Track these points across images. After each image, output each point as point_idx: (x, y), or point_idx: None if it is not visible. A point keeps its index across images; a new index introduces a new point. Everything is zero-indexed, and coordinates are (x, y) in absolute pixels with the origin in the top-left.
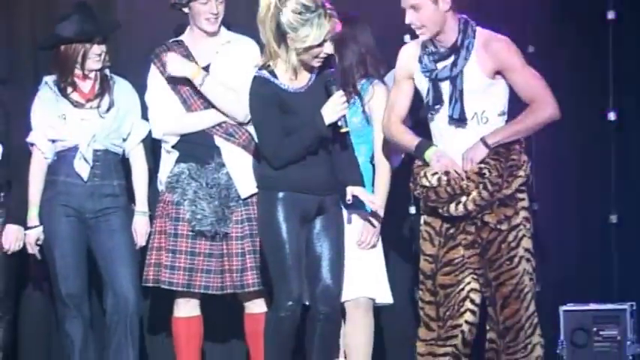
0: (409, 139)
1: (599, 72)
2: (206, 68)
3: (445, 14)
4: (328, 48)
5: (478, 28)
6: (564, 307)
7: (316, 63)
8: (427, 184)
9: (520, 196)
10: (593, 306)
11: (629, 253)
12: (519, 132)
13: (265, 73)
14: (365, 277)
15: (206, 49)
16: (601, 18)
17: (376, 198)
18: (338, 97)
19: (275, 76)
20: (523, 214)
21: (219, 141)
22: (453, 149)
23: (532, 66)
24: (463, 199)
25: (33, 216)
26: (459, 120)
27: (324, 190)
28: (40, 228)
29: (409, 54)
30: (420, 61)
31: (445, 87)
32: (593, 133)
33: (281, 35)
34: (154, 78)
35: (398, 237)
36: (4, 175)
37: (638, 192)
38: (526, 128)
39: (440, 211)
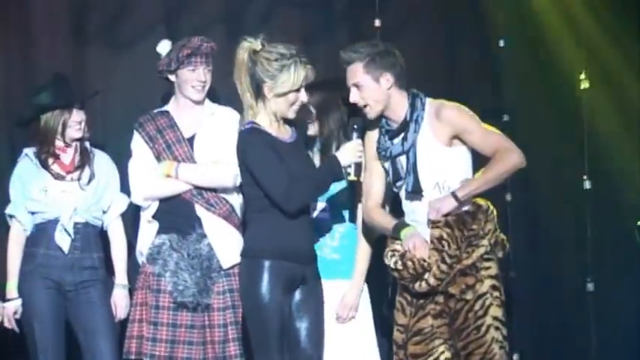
0: (387, 222)
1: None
2: (191, 139)
3: (388, 92)
4: (304, 96)
5: (428, 100)
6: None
7: (292, 113)
8: (391, 265)
9: (485, 264)
10: None
11: (605, 321)
12: (488, 181)
13: (254, 124)
14: (349, 349)
15: (191, 120)
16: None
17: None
18: (357, 143)
19: (261, 126)
20: (489, 282)
21: (200, 211)
22: (417, 221)
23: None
24: (426, 275)
25: (11, 288)
26: (414, 192)
27: (307, 259)
28: (19, 301)
29: (371, 136)
30: (378, 142)
31: (402, 162)
32: (570, 203)
33: (257, 87)
34: (138, 147)
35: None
36: None
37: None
38: (495, 177)
39: (409, 288)
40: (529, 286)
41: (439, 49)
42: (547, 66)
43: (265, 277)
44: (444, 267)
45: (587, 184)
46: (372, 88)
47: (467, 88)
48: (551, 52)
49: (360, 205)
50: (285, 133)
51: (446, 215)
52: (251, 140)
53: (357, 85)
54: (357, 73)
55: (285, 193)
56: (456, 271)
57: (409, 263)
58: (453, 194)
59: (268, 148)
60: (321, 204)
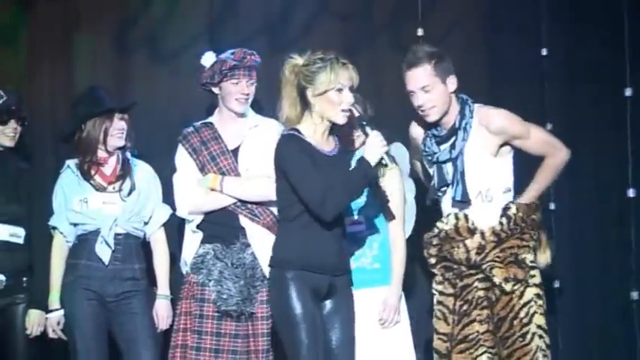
0: None
1: None
2: (235, 151)
3: (451, 95)
4: (348, 97)
5: (476, 107)
6: None
7: (341, 118)
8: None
9: (531, 272)
10: None
11: None
12: (547, 180)
13: (295, 131)
14: (394, 354)
15: (235, 132)
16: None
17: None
18: (375, 136)
19: (303, 135)
20: (534, 290)
21: (244, 221)
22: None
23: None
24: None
25: (54, 300)
26: (461, 202)
27: (336, 270)
28: (61, 312)
29: (417, 133)
30: (424, 144)
31: (449, 169)
32: (614, 211)
33: (302, 97)
34: (183, 159)
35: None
36: (27, 259)
37: None
38: (551, 175)
39: (449, 259)
40: (573, 296)
41: (481, 59)
42: (590, 73)
43: (292, 288)
44: (500, 226)
45: (631, 192)
46: (441, 90)
47: (509, 97)
48: (594, 58)
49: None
50: (327, 146)
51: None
52: (288, 146)
53: (425, 88)
54: (427, 74)
55: (321, 199)
56: (507, 259)
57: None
58: (518, 204)
59: (305, 154)
60: (357, 217)
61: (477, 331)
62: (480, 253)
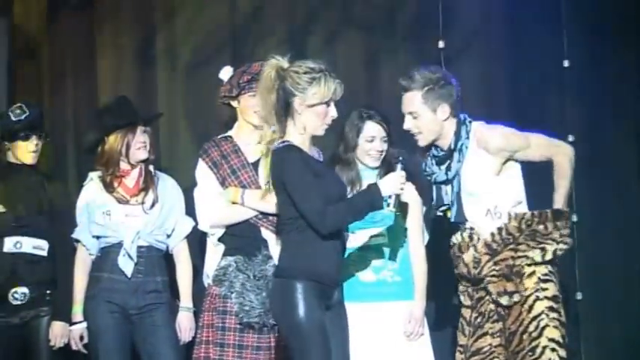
0: None
1: None
2: (256, 164)
3: (443, 122)
4: (334, 111)
5: (473, 126)
6: None
7: (322, 130)
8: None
9: (543, 285)
10: None
11: None
12: (566, 181)
13: (289, 142)
14: None
15: (255, 145)
16: None
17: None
18: (400, 175)
19: (297, 145)
20: (546, 303)
21: (265, 233)
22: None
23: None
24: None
25: (77, 312)
26: (458, 222)
27: (337, 282)
28: (85, 324)
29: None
30: (424, 163)
31: (447, 190)
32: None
33: (286, 104)
34: (203, 173)
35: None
36: (50, 271)
37: None
38: (569, 173)
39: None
40: (596, 308)
41: (502, 70)
42: (612, 84)
43: (301, 298)
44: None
45: None
46: (429, 119)
47: (530, 108)
48: (616, 71)
49: (410, 227)
50: (315, 154)
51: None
52: (288, 158)
53: (412, 114)
54: (415, 101)
55: (321, 217)
56: (501, 272)
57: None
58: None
59: (305, 166)
60: (377, 229)
61: (490, 344)
62: (477, 267)
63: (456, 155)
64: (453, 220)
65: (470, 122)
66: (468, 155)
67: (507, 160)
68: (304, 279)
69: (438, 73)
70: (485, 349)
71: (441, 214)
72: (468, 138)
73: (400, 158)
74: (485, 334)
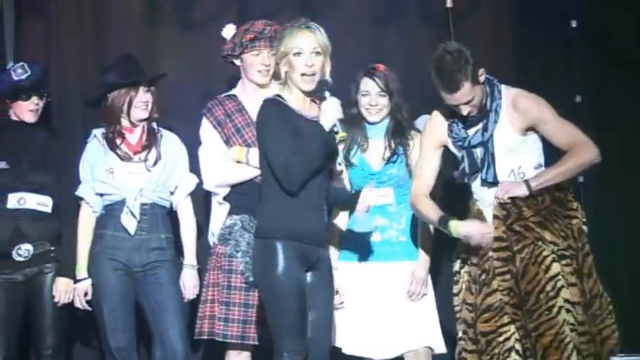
0: (433, 214)
1: None
2: None
3: (482, 85)
4: (303, 61)
5: (503, 87)
6: (615, 359)
7: (303, 84)
8: None
9: (561, 245)
10: None
11: None
12: (563, 173)
13: (277, 96)
14: (421, 327)
15: (259, 104)
16: None
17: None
18: (332, 101)
19: (285, 100)
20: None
21: None
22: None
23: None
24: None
25: (81, 269)
26: (492, 183)
27: (319, 241)
28: (89, 281)
29: (438, 124)
30: (451, 130)
31: (478, 152)
32: None
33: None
34: (207, 132)
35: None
36: (55, 228)
37: None
38: (570, 169)
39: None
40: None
41: (510, 29)
42: (621, 45)
43: (280, 258)
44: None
45: None
46: (479, 91)
47: (538, 68)
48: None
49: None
50: (311, 111)
51: (513, 199)
52: (264, 112)
53: (469, 101)
54: (469, 91)
55: (284, 172)
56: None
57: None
58: (526, 182)
59: (281, 120)
60: (386, 189)
61: (500, 299)
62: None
63: (492, 116)
64: (489, 180)
65: (499, 83)
66: (500, 117)
67: (529, 127)
68: (282, 238)
69: (461, 49)
70: (495, 304)
71: (471, 180)
72: (500, 98)
73: (325, 87)
74: (494, 290)
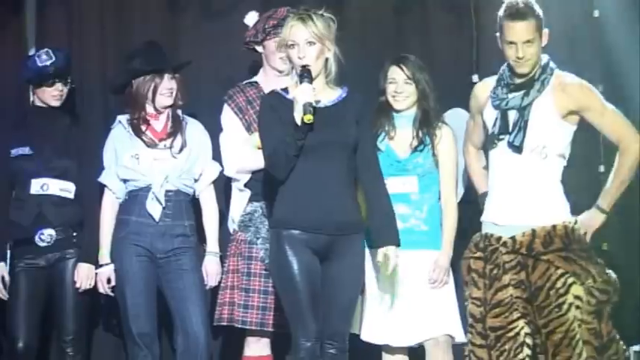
0: (479, 182)
1: None
2: None
3: (541, 45)
4: (294, 53)
5: (556, 70)
6: (635, 348)
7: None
8: None
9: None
10: None
11: None
12: (624, 182)
13: (277, 89)
14: (442, 315)
15: None
16: None
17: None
18: (302, 86)
19: (287, 92)
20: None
21: None
22: (508, 177)
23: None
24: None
25: (104, 255)
26: (517, 148)
27: (337, 230)
28: (111, 266)
29: (485, 90)
30: (493, 92)
31: (512, 116)
32: None
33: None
34: (229, 119)
35: None
36: (77, 214)
37: None
38: (629, 174)
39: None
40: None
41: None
42: None
43: (286, 247)
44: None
45: None
46: (539, 45)
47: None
48: None
49: (443, 176)
50: (330, 95)
51: None
52: (260, 105)
53: (530, 41)
54: (531, 28)
55: (268, 159)
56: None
57: None
58: (599, 208)
59: (269, 112)
60: (410, 178)
61: (511, 295)
62: None
63: (536, 84)
64: (516, 143)
65: (555, 66)
66: (545, 91)
67: (575, 113)
68: (285, 228)
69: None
70: (506, 300)
71: (495, 143)
72: (552, 75)
73: (305, 74)
74: (506, 285)
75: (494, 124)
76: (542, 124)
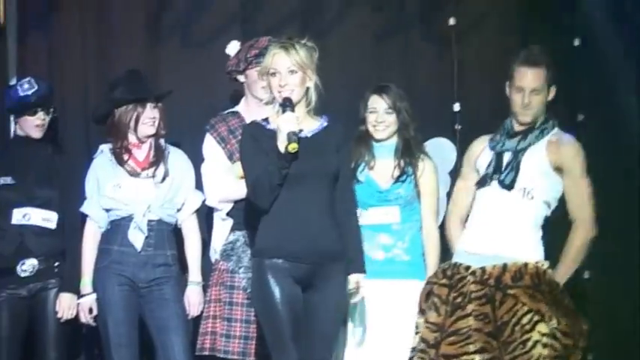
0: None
1: None
2: None
3: (547, 100)
4: (275, 81)
5: (557, 128)
6: None
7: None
8: None
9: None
10: None
11: None
12: (575, 260)
13: (258, 120)
14: None
15: None
16: None
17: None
18: (285, 115)
19: (268, 122)
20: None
21: None
22: (491, 210)
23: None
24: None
25: (86, 284)
26: (507, 186)
27: (319, 259)
28: (93, 296)
29: (481, 144)
30: (492, 139)
31: (506, 157)
32: None
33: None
34: (211, 148)
35: None
36: (59, 243)
37: None
38: (576, 256)
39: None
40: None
41: (514, 48)
42: (624, 64)
43: (268, 277)
44: None
45: None
46: (544, 96)
47: None
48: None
49: (425, 207)
50: (310, 125)
51: None
52: (242, 135)
53: (535, 89)
54: (542, 79)
55: (250, 190)
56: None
57: None
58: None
59: (251, 142)
60: (392, 208)
61: (469, 326)
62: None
63: (535, 131)
64: (507, 183)
65: (557, 123)
66: (542, 141)
67: (559, 168)
68: (267, 257)
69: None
70: (463, 330)
71: (489, 181)
72: (552, 129)
73: (287, 103)
74: (467, 315)
75: (489, 165)
76: (534, 167)
